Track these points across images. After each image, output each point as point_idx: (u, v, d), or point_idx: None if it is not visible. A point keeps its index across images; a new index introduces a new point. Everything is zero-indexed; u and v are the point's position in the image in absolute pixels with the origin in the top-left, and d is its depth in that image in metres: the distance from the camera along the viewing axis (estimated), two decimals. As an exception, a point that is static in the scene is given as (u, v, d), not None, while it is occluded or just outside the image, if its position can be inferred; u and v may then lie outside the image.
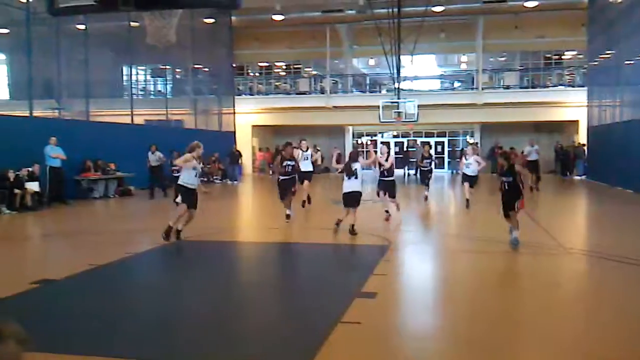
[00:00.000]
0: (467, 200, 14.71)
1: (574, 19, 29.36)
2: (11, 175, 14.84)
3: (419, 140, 33.66)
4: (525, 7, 28.41)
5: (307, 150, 14.98)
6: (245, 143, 31.78)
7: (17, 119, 17.64)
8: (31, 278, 7.12)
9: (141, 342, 5.12)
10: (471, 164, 15.04)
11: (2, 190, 14.49)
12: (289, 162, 12.56)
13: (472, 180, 15.01)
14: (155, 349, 4.92)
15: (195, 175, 9.99)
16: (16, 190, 14.83)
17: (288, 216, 12.28)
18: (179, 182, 10.05)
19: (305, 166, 14.23)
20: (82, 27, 21.64)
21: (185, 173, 9.98)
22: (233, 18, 30.31)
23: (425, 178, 17.40)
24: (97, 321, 5.73)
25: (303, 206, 14.07)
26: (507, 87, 30.98)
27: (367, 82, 34.23)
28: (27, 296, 6.49)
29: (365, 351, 4.84)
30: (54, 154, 16.13)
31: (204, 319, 5.80)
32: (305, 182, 14.22)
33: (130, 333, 5.38)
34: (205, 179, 22.59)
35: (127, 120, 23.10)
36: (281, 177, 12.51)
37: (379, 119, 26.70)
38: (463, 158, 15.79)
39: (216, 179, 25.94)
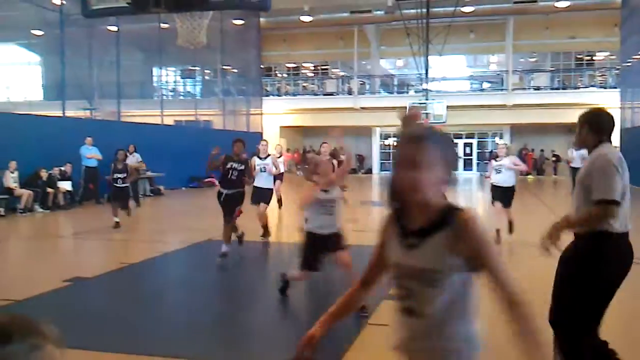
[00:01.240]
0: (508, 227, 9.74)
1: (607, 19, 28.86)
2: (44, 174, 15.14)
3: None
4: (556, 7, 28.01)
5: (265, 158, 10.20)
6: (272, 144, 31.89)
7: (50, 119, 17.98)
8: (64, 276, 7.25)
9: (171, 340, 5.17)
10: (504, 168, 9.70)
11: (36, 189, 14.79)
12: (234, 165, 8.50)
13: (506, 195, 9.72)
14: (183, 347, 4.97)
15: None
16: (49, 189, 15.13)
17: (224, 254, 8.19)
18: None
19: (262, 181, 9.90)
20: (113, 28, 21.99)
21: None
22: (261, 20, 30.49)
23: None
24: (128, 319, 5.81)
25: (263, 235, 9.95)
26: (538, 89, 30.61)
27: (395, 83, 34.10)
28: (60, 294, 6.61)
29: (392, 353, 4.83)
30: (90, 154, 16.35)
31: (232, 318, 5.84)
32: (262, 205, 9.83)
33: (160, 331, 5.44)
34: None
35: (157, 120, 23.41)
36: (221, 190, 8.61)
37: (407, 120, 26.57)
38: (492, 160, 10.12)
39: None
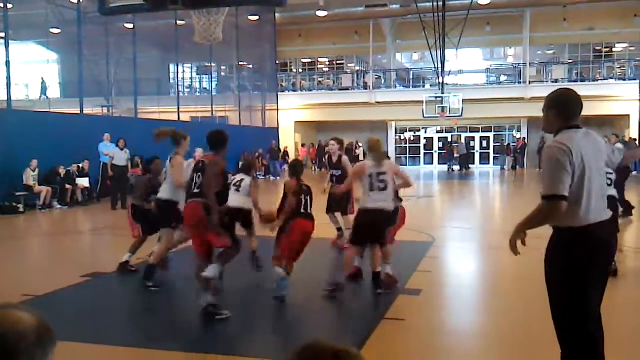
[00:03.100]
0: None
1: (626, 10, 28.48)
2: (62, 171, 15.29)
3: (463, 135, 33.24)
4: (574, -2, 27.69)
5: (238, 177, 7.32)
6: (288, 139, 31.95)
7: (68, 116, 18.16)
8: (82, 271, 7.33)
9: (188, 334, 5.21)
10: None
11: (54, 186, 14.95)
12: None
13: None
14: (201, 342, 5.01)
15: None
16: (67, 186, 15.28)
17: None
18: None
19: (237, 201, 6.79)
20: (130, 26, 22.11)
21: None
22: (277, 15, 30.47)
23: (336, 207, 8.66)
24: (145, 314, 5.87)
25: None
26: (556, 81, 30.23)
27: (411, 77, 33.96)
28: (79, 289, 6.69)
29: (408, 347, 4.83)
30: (107, 151, 16.31)
31: (252, 313, 5.87)
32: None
33: (178, 326, 5.49)
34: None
35: (174, 117, 23.51)
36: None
37: (423, 114, 26.47)
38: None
39: (259, 175, 26.17)
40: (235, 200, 6.69)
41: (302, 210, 6.09)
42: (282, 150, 30.67)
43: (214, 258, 5.66)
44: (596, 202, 3.18)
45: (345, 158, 8.97)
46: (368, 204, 6.17)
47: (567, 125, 3.24)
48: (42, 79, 30.13)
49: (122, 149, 15.35)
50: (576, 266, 3.17)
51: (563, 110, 3.29)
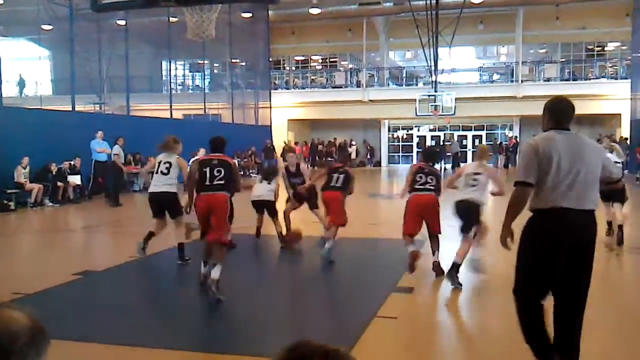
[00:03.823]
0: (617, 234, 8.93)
1: (618, 9, 28.58)
2: (54, 168, 15.22)
3: (455, 134, 33.30)
4: (566, -3, 27.75)
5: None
6: (281, 137, 31.93)
7: (59, 113, 18.05)
8: (74, 269, 7.30)
9: (180, 333, 5.20)
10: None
11: (45, 184, 14.87)
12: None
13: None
14: (194, 339, 5.00)
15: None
16: (59, 183, 15.21)
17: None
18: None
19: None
20: (122, 22, 22.01)
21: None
22: (270, 12, 30.42)
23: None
24: (137, 312, 5.85)
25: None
26: (548, 80, 30.36)
27: (404, 75, 33.97)
28: (70, 287, 6.66)
29: (400, 346, 4.84)
30: (100, 148, 16.21)
31: (243, 310, 5.87)
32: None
33: (170, 324, 5.48)
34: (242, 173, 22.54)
35: (166, 114, 23.44)
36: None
37: (416, 112, 26.50)
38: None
39: (252, 172, 26.15)
40: (260, 192, 8.92)
41: (332, 184, 7.94)
42: (283, 149, 30.61)
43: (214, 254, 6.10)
44: (568, 191, 3.57)
45: (303, 166, 10.06)
46: (458, 196, 7.07)
47: (555, 128, 3.73)
48: (20, 75, 29.94)
49: (121, 147, 15.63)
50: (533, 243, 3.65)
51: (553, 115, 3.81)
